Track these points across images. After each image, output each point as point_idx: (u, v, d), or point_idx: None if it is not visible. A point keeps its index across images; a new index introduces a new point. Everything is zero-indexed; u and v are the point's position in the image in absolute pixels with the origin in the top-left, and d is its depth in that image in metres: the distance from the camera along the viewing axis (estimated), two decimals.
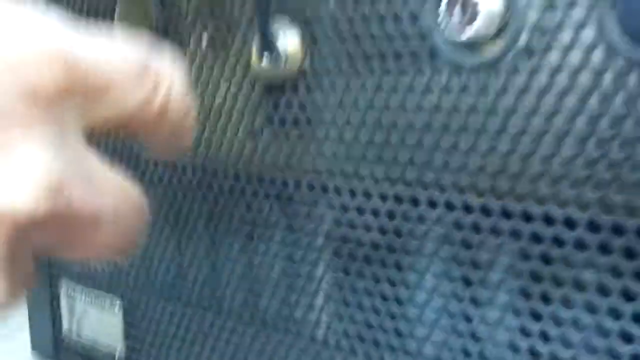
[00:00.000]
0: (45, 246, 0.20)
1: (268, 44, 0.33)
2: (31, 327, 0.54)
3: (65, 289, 0.51)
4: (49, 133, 0.18)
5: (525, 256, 0.28)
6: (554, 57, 0.26)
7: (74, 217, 0.19)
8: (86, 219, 0.20)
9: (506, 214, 0.28)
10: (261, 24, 0.33)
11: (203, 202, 0.40)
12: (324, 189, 0.34)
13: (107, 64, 0.21)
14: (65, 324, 0.52)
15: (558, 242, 0.27)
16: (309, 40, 0.33)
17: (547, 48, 0.26)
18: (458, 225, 0.30)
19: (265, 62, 0.33)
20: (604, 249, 0.26)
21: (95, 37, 0.21)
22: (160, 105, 0.22)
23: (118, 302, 0.46)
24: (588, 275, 0.26)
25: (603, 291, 0.26)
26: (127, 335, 0.46)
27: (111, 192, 0.21)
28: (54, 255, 0.21)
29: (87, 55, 0.20)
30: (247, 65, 0.36)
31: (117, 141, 0.43)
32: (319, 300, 0.35)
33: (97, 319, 0.49)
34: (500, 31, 0.27)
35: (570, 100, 0.26)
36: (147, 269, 0.44)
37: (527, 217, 0.28)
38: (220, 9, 0.36)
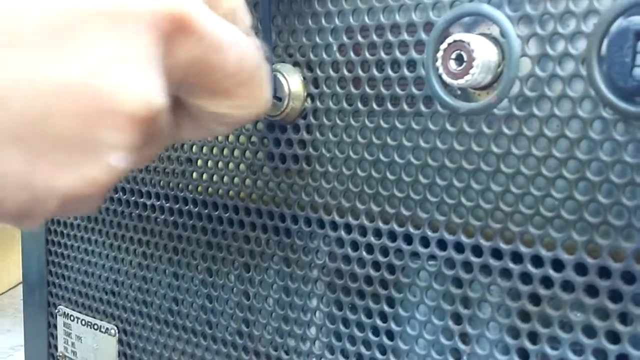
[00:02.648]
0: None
1: (272, 85, 0.33)
2: (26, 348, 0.53)
3: (62, 314, 0.50)
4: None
5: (514, 295, 0.28)
6: (545, 106, 0.26)
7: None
8: None
9: (496, 254, 0.28)
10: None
11: (202, 232, 0.39)
12: (321, 224, 0.34)
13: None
14: (60, 347, 0.51)
15: (546, 282, 0.27)
16: (311, 81, 0.33)
17: (540, 97, 0.26)
18: (449, 263, 0.29)
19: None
20: (591, 290, 0.26)
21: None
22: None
23: (114, 327, 0.46)
24: (575, 316, 0.26)
25: (589, 332, 0.26)
26: None
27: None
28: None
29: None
30: None
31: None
32: (312, 332, 0.35)
33: (92, 343, 0.48)
34: (495, 80, 0.27)
35: (561, 147, 0.26)
36: (143, 295, 0.43)
37: (517, 258, 0.28)
38: None
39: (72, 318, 0.49)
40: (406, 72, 0.30)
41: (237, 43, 0.21)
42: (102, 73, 0.18)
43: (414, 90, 0.29)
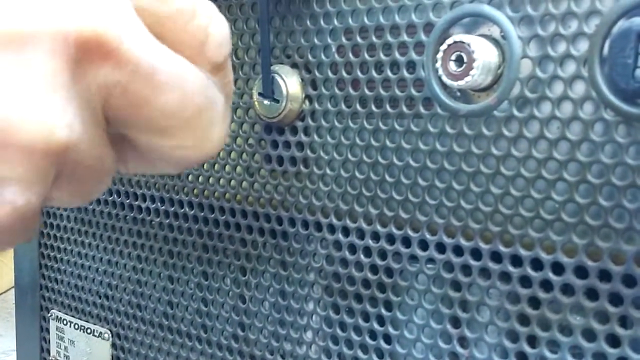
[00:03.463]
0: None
1: (269, 86, 0.33)
2: (18, 352, 0.53)
3: (55, 318, 0.49)
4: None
5: (513, 299, 0.28)
6: (546, 108, 0.26)
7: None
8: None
9: (495, 257, 0.28)
10: (264, 67, 0.33)
11: (197, 235, 0.39)
12: (318, 227, 0.33)
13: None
14: (53, 351, 0.50)
15: (546, 285, 0.27)
16: (309, 83, 0.33)
17: (540, 99, 0.26)
18: (448, 267, 0.29)
19: (266, 103, 0.33)
20: (591, 294, 0.26)
21: None
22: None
23: (107, 331, 0.45)
24: (575, 319, 0.26)
25: (589, 335, 0.26)
26: None
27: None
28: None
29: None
30: (249, 105, 0.35)
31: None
32: (309, 336, 0.34)
33: (85, 348, 0.47)
34: (495, 81, 0.27)
35: (561, 149, 0.26)
36: (138, 299, 0.43)
37: (516, 261, 0.27)
38: None
39: (65, 322, 0.49)
40: (405, 74, 0.29)
41: (181, 77, 0.19)
42: None
43: (413, 92, 0.29)
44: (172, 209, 0.40)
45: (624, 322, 0.25)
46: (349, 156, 0.32)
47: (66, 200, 0.20)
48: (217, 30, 0.20)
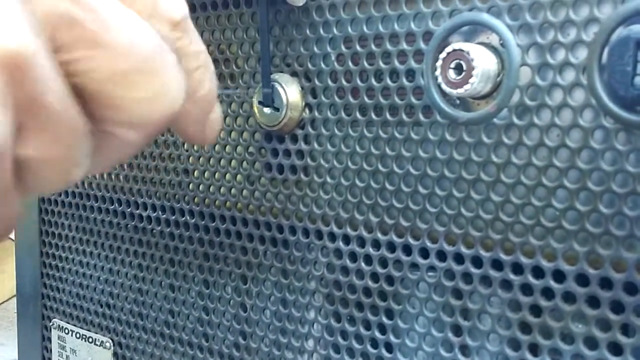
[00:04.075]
0: None
1: (269, 95, 0.33)
2: None
3: (56, 327, 0.49)
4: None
5: (514, 306, 0.28)
6: (546, 115, 0.26)
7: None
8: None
9: (496, 265, 0.28)
10: (264, 75, 0.33)
11: (198, 243, 0.39)
12: (319, 235, 0.33)
13: None
14: None
15: (547, 293, 0.27)
16: (309, 92, 0.33)
17: (540, 107, 0.26)
18: (449, 275, 0.29)
19: (266, 112, 0.33)
20: (592, 301, 0.26)
21: None
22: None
23: (109, 340, 0.45)
24: (576, 327, 0.26)
25: (591, 343, 0.26)
26: None
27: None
28: None
29: None
30: (249, 113, 0.35)
31: (117, 181, 0.43)
32: (310, 344, 0.34)
33: (87, 357, 0.47)
34: (494, 89, 0.27)
35: (561, 157, 0.26)
36: (139, 308, 0.43)
37: (517, 269, 0.27)
38: (225, 58, 0.36)
39: (66, 331, 0.49)
40: (405, 82, 0.29)
41: (129, 18, 0.18)
42: None
43: (413, 100, 0.29)
44: (173, 217, 0.40)
45: (626, 330, 0.25)
46: (349, 164, 0.32)
47: (41, 166, 0.18)
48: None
